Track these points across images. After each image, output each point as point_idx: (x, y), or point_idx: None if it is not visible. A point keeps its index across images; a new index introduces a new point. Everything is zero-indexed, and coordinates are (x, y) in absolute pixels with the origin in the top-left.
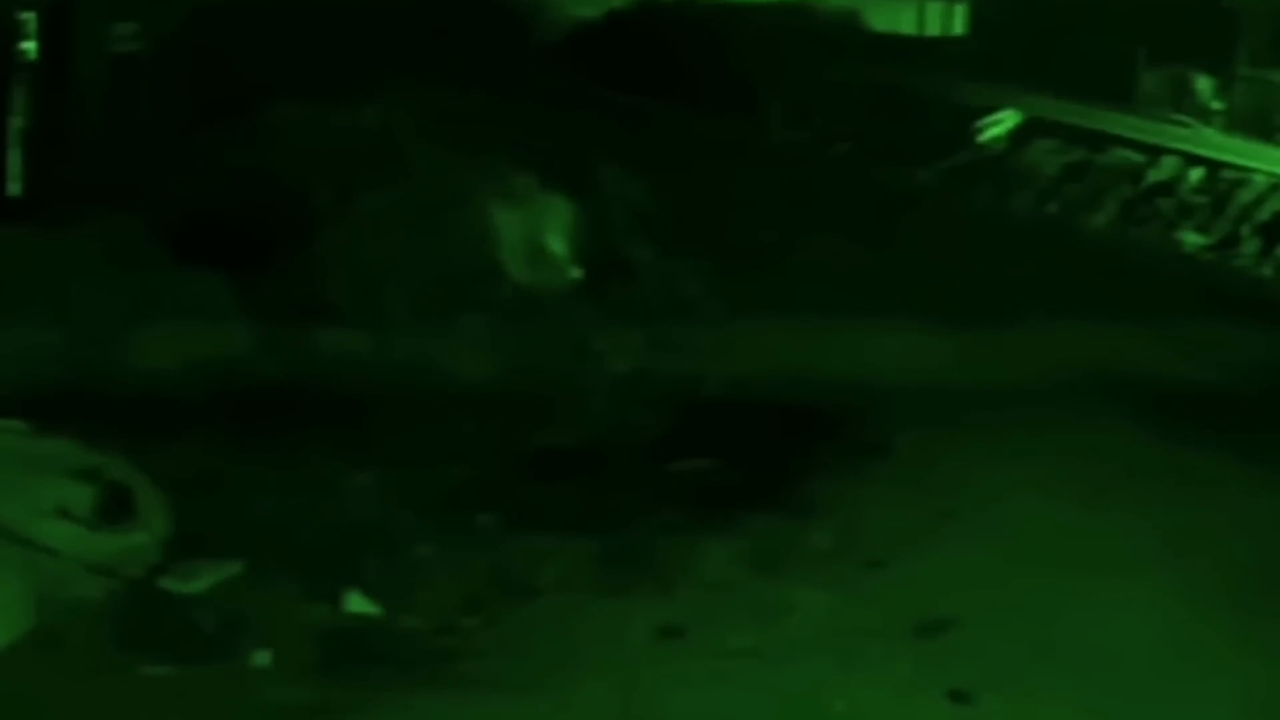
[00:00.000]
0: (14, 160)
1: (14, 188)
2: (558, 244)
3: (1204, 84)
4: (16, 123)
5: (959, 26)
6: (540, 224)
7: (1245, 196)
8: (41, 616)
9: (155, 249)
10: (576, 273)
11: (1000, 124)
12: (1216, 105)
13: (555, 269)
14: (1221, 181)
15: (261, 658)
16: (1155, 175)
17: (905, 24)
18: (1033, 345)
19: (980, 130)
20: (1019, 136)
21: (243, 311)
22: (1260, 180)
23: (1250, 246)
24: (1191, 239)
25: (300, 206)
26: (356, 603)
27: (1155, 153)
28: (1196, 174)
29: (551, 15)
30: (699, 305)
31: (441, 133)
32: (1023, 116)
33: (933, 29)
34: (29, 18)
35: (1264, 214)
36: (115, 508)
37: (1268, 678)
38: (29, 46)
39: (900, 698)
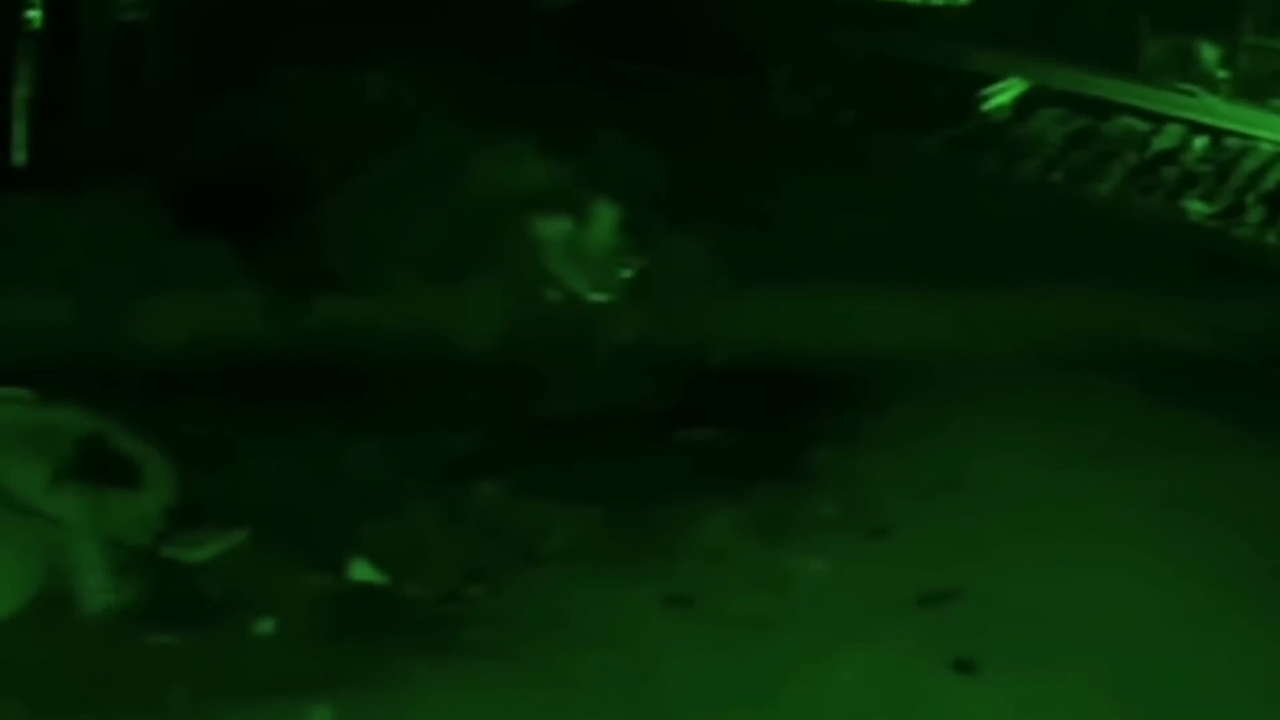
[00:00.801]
0: (19, 130)
1: (19, 157)
2: (605, 248)
3: (1209, 52)
4: (22, 92)
5: None
6: (586, 230)
7: (1250, 165)
8: (45, 584)
9: (160, 218)
10: (627, 272)
11: (1005, 92)
12: (1221, 74)
13: (604, 273)
14: (1226, 150)
15: (266, 626)
16: (1159, 144)
17: None
18: (1036, 313)
19: (985, 98)
20: (1023, 104)
21: (247, 281)
22: (1265, 148)
23: (1255, 215)
24: (1196, 207)
25: (305, 175)
26: (362, 571)
27: (1159, 121)
28: (1201, 142)
29: None
30: (704, 274)
31: (446, 101)
32: (1027, 85)
33: None
34: None
35: (1269, 182)
36: (120, 476)
37: (1274, 646)
38: (34, 16)
39: (905, 668)
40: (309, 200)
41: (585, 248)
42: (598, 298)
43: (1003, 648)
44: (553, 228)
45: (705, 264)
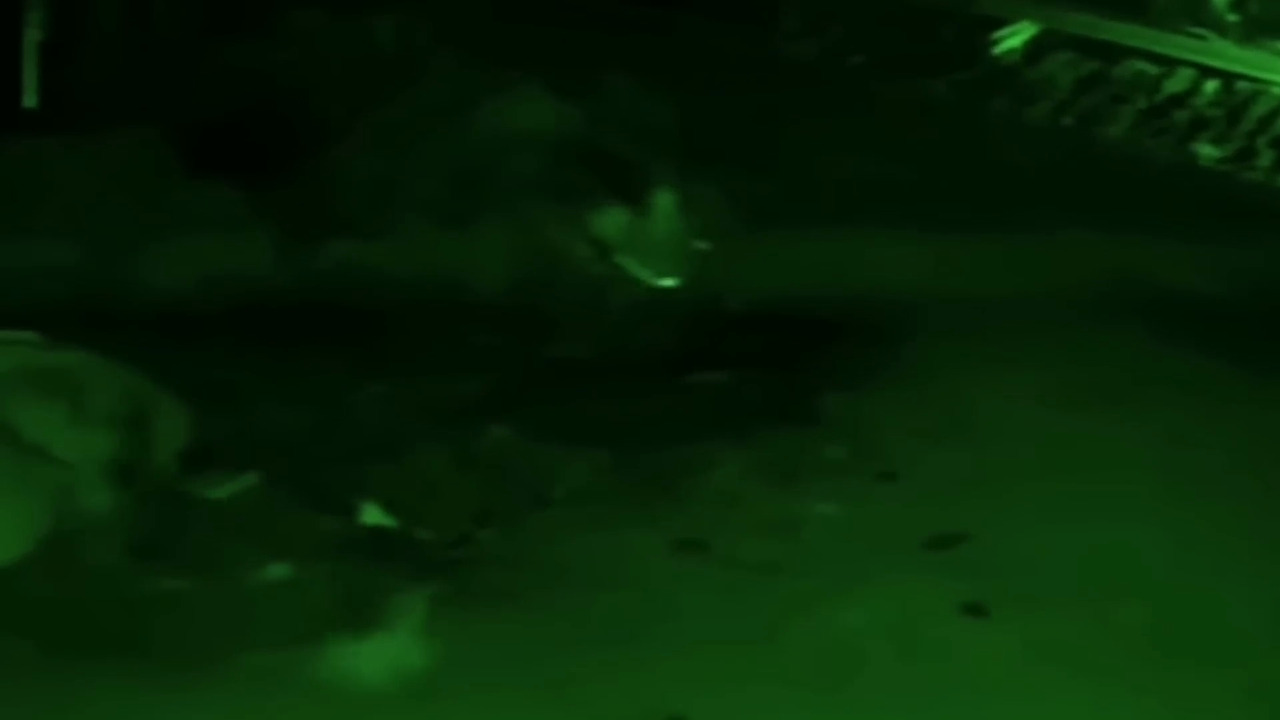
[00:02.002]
0: (30, 73)
1: (29, 100)
2: (668, 236)
3: None
4: (33, 36)
5: None
6: (645, 220)
7: (1260, 109)
8: (55, 527)
9: (170, 160)
10: (702, 244)
11: (1015, 35)
12: (1232, 17)
13: (669, 261)
14: (1236, 94)
15: (277, 569)
16: (1170, 87)
17: None
18: (1047, 256)
19: (995, 42)
20: (1034, 48)
21: (256, 224)
22: (1276, 92)
23: (1265, 159)
24: (1206, 151)
25: (315, 117)
26: (372, 514)
27: (1170, 64)
28: (1211, 86)
29: None
30: (715, 218)
31: (455, 43)
32: (1037, 28)
33: None
34: None
35: (1279, 127)
36: (130, 418)
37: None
38: None
39: (914, 610)
40: (319, 144)
41: (647, 237)
42: (665, 284)
43: (1012, 589)
44: (611, 220)
45: (717, 208)
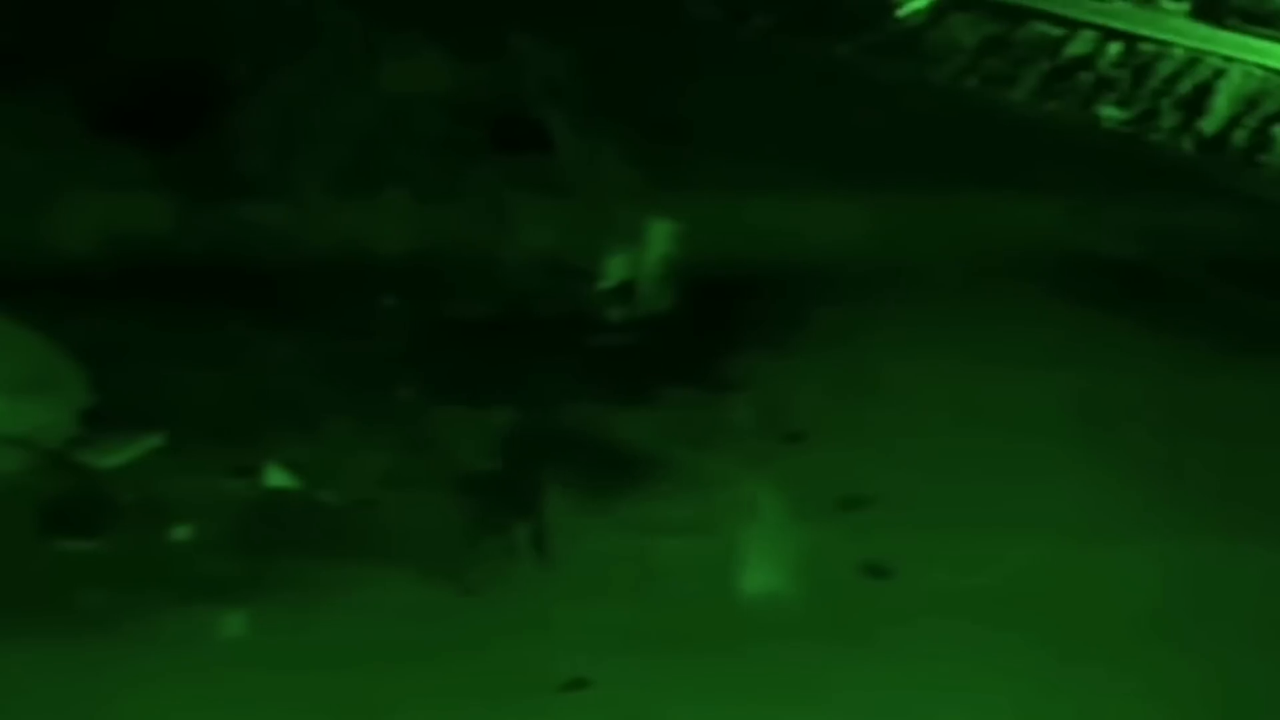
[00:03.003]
0: None
1: None
2: (660, 265)
3: None
4: None
5: None
6: (644, 253)
7: (1164, 70)
8: None
9: (76, 121)
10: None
11: None
12: None
13: (660, 287)
14: (1139, 55)
15: (181, 531)
16: (1073, 49)
17: None
18: (953, 218)
19: (899, 3)
20: (938, 10)
21: (163, 185)
22: (1178, 54)
23: (1168, 121)
24: (1109, 113)
25: (221, 79)
26: (276, 477)
27: (1073, 26)
28: (1115, 48)
29: None
30: (617, 179)
31: (360, 4)
32: None
33: None
34: None
35: (1183, 88)
36: (31, 379)
37: (1183, 542)
38: None
39: (821, 572)
40: (223, 105)
41: (643, 267)
42: (652, 307)
43: (917, 550)
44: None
45: (620, 169)
